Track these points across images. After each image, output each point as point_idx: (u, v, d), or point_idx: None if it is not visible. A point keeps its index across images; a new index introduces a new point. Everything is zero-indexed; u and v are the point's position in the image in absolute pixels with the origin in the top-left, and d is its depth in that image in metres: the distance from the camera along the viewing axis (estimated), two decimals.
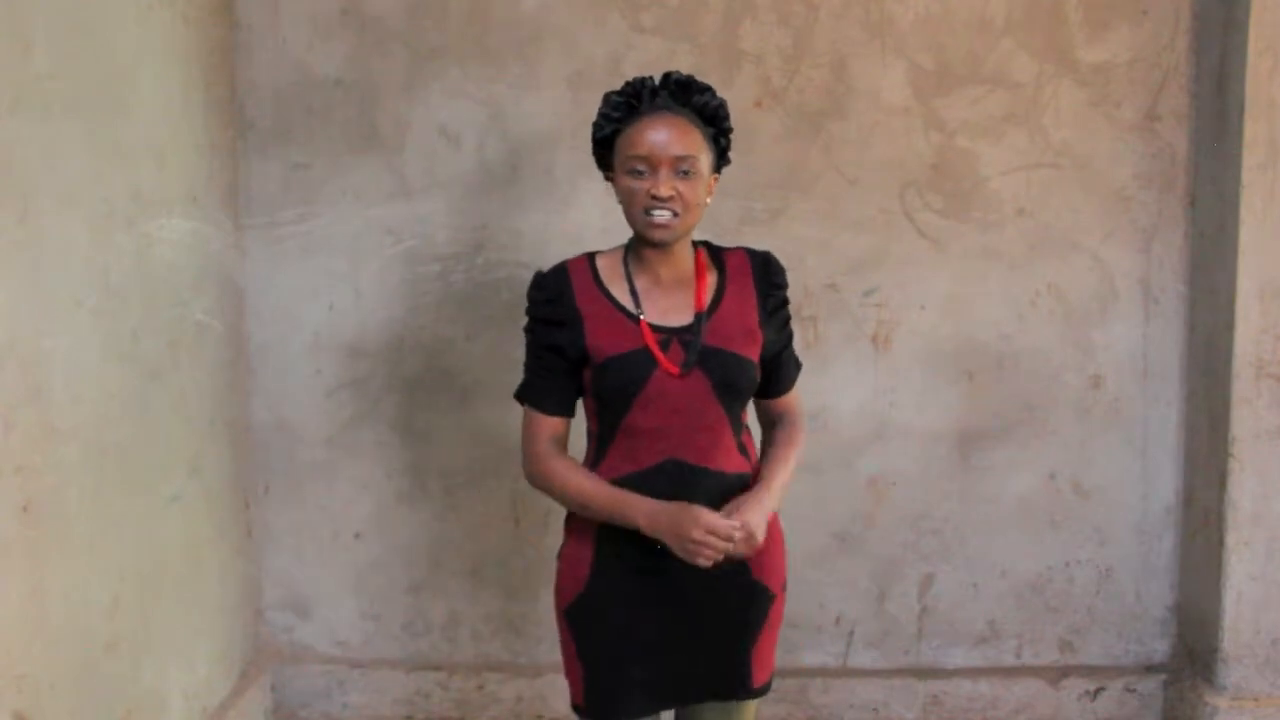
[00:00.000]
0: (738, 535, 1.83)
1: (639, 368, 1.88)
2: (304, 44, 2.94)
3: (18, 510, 1.98)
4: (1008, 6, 2.92)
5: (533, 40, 2.93)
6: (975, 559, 3.08)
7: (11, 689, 1.96)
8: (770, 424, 2.09)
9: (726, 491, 1.92)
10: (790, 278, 2.95)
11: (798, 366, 2.10)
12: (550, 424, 1.97)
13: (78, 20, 2.17)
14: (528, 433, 1.98)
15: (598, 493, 1.90)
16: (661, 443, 1.89)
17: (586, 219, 2.90)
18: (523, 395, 1.99)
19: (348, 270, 3.00)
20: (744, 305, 1.96)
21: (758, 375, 1.97)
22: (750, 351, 1.94)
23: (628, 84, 1.93)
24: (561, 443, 1.99)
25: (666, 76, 1.93)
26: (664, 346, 1.89)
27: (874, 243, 2.98)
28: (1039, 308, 3.01)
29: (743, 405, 1.97)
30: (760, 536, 1.85)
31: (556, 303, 1.93)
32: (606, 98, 1.95)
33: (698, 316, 1.92)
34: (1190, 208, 2.97)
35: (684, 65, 2.91)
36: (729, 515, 1.84)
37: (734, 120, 3.00)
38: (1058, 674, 3.09)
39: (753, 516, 1.85)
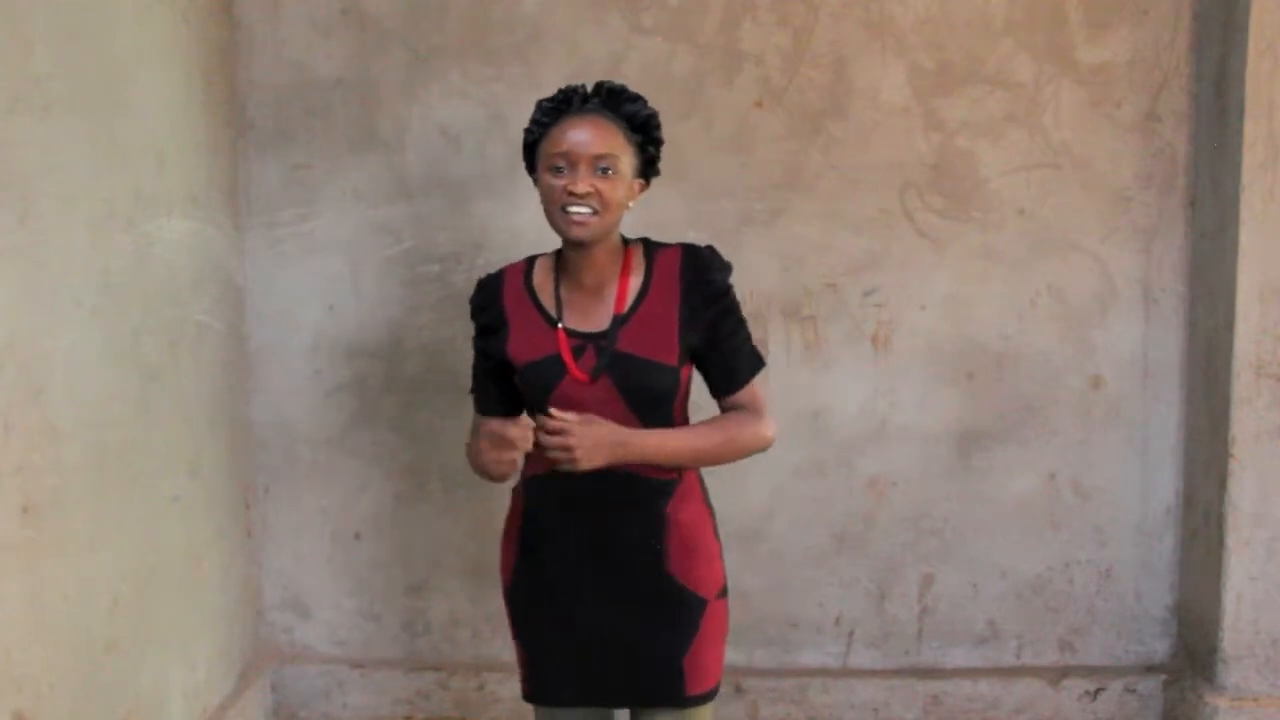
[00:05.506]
0: (551, 426, 1.81)
1: (549, 374, 1.91)
2: (304, 44, 2.94)
3: (18, 510, 1.98)
4: (1008, 6, 2.92)
5: (533, 40, 2.92)
6: (975, 559, 3.08)
7: (11, 689, 1.96)
8: None
9: (648, 497, 1.93)
10: (790, 277, 3.00)
11: (754, 361, 1.99)
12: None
13: (77, 20, 2.17)
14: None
15: (479, 435, 1.94)
16: None
17: None
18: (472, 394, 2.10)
19: (348, 270, 3.00)
20: (665, 307, 1.93)
21: (677, 380, 1.93)
22: (666, 356, 1.90)
23: (560, 90, 1.96)
24: None
25: (599, 85, 1.95)
26: (579, 352, 1.91)
27: (874, 243, 2.98)
28: (1039, 308, 3.01)
29: (666, 410, 1.94)
30: (582, 456, 1.82)
31: (487, 310, 2.01)
32: (539, 104, 1.97)
33: (615, 320, 1.92)
34: (1190, 208, 2.97)
35: (684, 65, 2.91)
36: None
37: (734, 120, 3.01)
38: (1058, 674, 3.09)
39: (589, 426, 1.82)
